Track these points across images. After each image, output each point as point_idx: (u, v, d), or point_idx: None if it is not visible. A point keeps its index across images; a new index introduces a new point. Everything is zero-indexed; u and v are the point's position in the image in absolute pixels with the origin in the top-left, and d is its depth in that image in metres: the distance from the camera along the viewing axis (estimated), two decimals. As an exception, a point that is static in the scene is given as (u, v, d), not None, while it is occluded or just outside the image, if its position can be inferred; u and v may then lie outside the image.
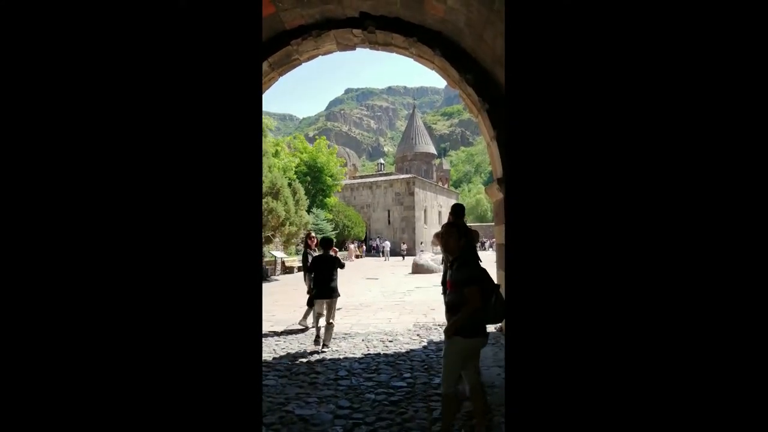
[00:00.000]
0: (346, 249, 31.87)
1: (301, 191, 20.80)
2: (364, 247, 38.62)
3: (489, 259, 8.22)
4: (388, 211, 41.84)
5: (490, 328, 4.08)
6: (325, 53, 6.19)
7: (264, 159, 16.73)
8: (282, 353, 5.71)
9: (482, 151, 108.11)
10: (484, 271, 2.99)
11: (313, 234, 8.17)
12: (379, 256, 35.83)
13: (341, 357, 5.45)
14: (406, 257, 32.77)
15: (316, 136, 39.98)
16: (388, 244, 34.81)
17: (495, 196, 5.78)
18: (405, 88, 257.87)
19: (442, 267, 5.05)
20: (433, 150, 58.87)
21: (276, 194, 17.23)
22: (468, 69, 5.40)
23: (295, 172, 29.91)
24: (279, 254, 19.80)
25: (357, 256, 33.63)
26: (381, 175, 49.34)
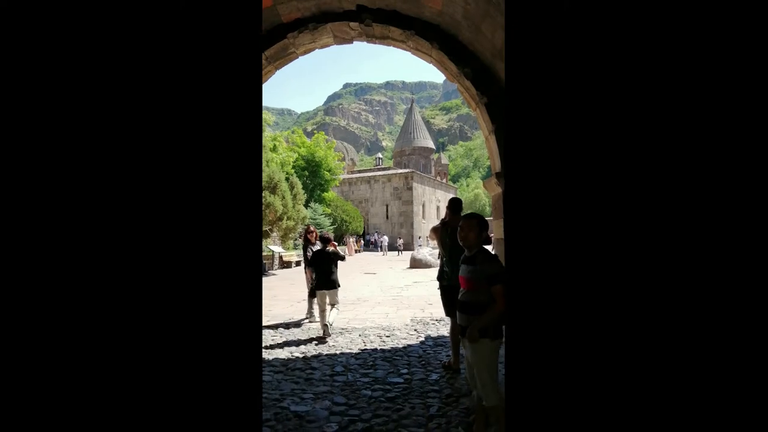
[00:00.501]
0: (344, 244, 31.89)
1: (299, 186, 20.72)
2: (362, 242, 38.63)
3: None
4: (387, 206, 41.85)
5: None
6: (322, 47, 6.13)
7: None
8: (278, 348, 5.69)
9: (481, 145, 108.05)
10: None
11: (312, 228, 8.12)
12: (377, 251, 35.86)
13: (338, 352, 5.43)
14: (402, 252, 32.78)
15: (315, 131, 39.88)
16: (386, 239, 34.83)
17: (493, 190, 5.74)
18: (403, 82, 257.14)
19: (439, 262, 5.02)
20: (431, 144, 58.88)
21: (273, 189, 17.19)
22: (466, 62, 5.34)
23: (293, 167, 29.85)
24: (277, 249, 19.77)
25: (356, 251, 33.65)
26: (379, 169, 49.30)
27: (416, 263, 19.40)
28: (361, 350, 5.52)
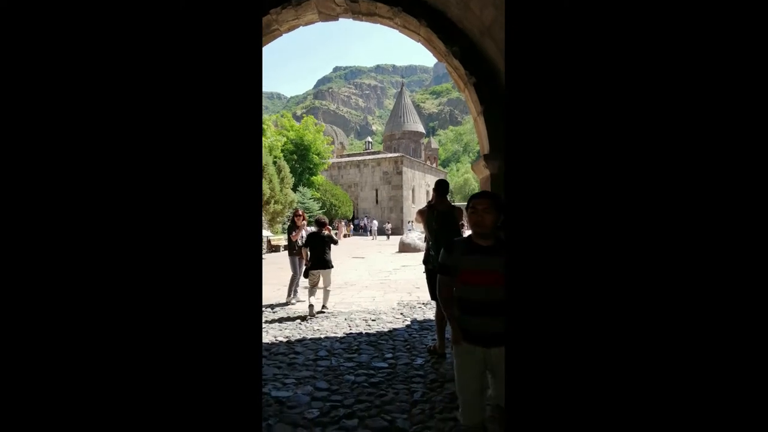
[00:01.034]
0: (336, 228, 31.82)
1: (287, 169, 20.47)
2: (352, 226, 38.55)
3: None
4: (376, 190, 41.67)
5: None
6: (306, 23, 5.92)
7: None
8: (262, 332, 5.60)
9: (471, 130, 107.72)
10: None
11: (300, 211, 7.95)
12: (367, 235, 35.83)
13: (322, 336, 5.35)
14: (391, 236, 32.78)
15: (304, 115, 39.37)
16: (375, 224, 34.78)
17: (481, 173, 5.64)
18: (394, 66, 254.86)
19: (424, 246, 4.94)
20: (421, 129, 58.52)
21: (261, 172, 16.97)
22: (454, 40, 5.19)
23: (282, 150, 29.47)
24: (265, 233, 19.61)
25: (345, 235, 33.59)
26: (369, 153, 48.90)
27: (405, 247, 19.41)
28: (346, 334, 5.45)
